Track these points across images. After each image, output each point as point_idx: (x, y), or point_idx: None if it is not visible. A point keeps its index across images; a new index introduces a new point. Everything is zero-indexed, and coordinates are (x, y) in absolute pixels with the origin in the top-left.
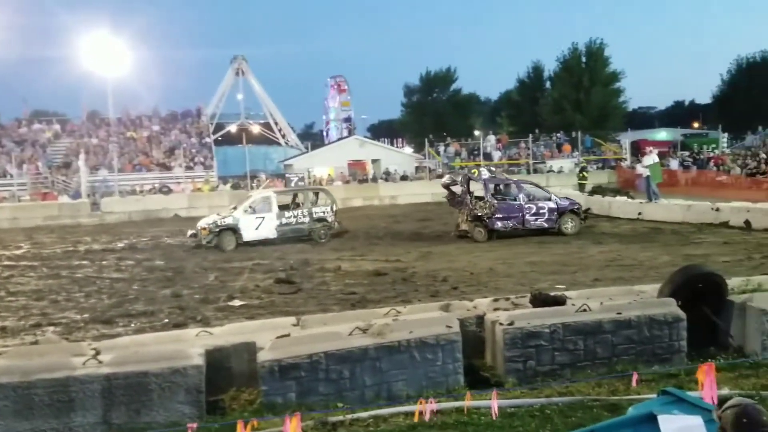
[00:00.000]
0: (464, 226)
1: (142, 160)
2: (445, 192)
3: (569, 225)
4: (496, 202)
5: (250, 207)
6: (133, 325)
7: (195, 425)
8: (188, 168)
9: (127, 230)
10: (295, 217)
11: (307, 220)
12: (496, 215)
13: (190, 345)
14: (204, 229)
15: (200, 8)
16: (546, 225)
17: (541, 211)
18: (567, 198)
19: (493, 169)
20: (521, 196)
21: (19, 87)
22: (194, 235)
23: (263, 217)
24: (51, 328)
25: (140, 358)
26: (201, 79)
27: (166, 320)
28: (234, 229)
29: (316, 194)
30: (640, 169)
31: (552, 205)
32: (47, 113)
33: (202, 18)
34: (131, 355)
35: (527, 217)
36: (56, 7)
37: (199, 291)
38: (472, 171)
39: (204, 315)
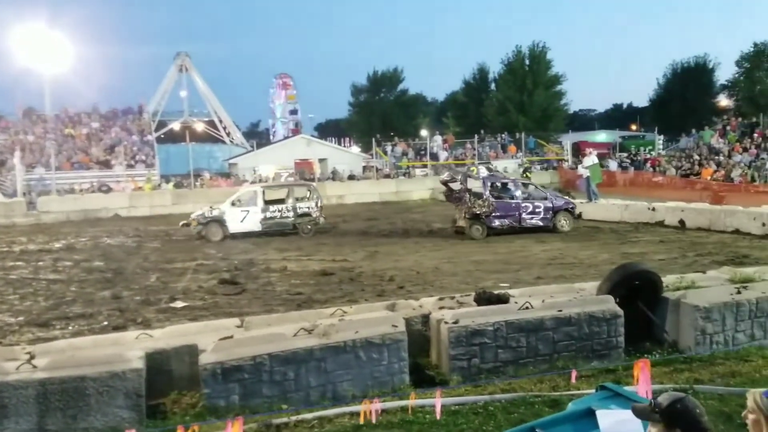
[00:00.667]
0: (461, 223)
1: (81, 158)
2: (443, 188)
3: (564, 223)
4: (494, 200)
5: (237, 200)
6: (70, 328)
7: (134, 430)
8: (129, 166)
9: (65, 230)
10: (279, 211)
11: (291, 214)
12: (494, 214)
13: (130, 348)
14: (193, 220)
15: (143, 3)
16: (541, 223)
17: (537, 209)
18: (561, 197)
19: (492, 167)
20: (518, 194)
21: None
22: (186, 225)
23: (248, 211)
24: None
25: (77, 362)
26: (143, 76)
27: (105, 323)
28: (220, 221)
29: (306, 190)
30: (581, 169)
31: (548, 204)
32: None
33: (145, 13)
34: (68, 359)
35: (524, 215)
36: None
37: (140, 292)
38: (471, 169)
39: (145, 317)
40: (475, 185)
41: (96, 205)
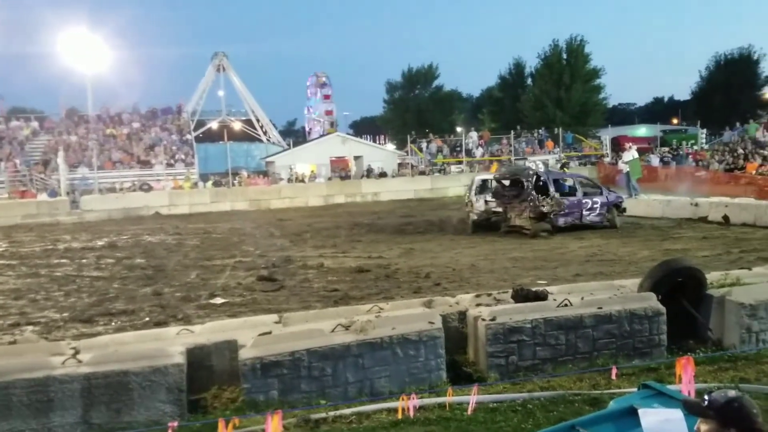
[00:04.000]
0: (519, 222)
1: (122, 157)
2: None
3: (616, 218)
4: (560, 198)
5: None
6: (113, 323)
7: (176, 424)
8: (169, 165)
9: (107, 228)
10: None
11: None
12: (561, 212)
13: (171, 343)
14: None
15: (181, 4)
16: (597, 219)
17: (595, 206)
18: (613, 191)
19: (548, 162)
20: (579, 190)
21: None
22: None
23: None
24: (30, 328)
25: (120, 357)
26: (182, 76)
27: (147, 319)
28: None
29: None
30: (621, 164)
31: (603, 199)
32: (25, 110)
33: (183, 14)
34: (111, 354)
35: (584, 212)
36: (34, 3)
37: (180, 289)
38: (529, 165)
39: (185, 313)
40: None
41: (137, 204)
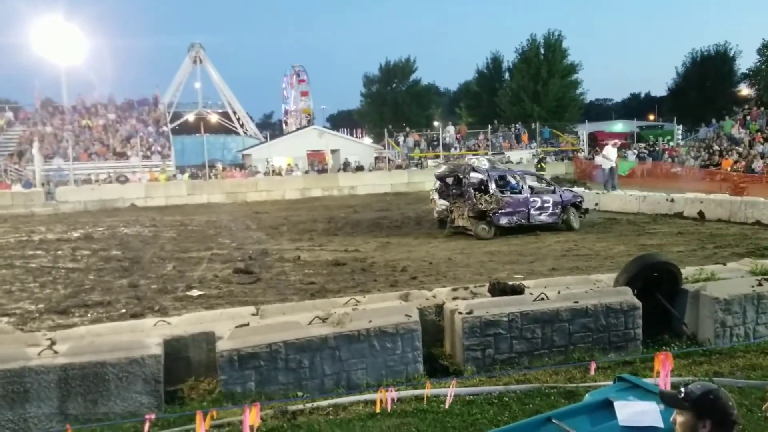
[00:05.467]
0: (461, 222)
1: (98, 148)
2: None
3: (573, 219)
4: (501, 195)
5: None
6: (89, 315)
7: (153, 416)
8: (145, 157)
9: (83, 220)
10: None
11: None
12: (502, 210)
13: (148, 335)
14: None
15: None
16: (549, 220)
17: (546, 204)
18: (570, 190)
19: (493, 158)
20: (525, 188)
21: None
22: None
23: None
24: (5, 319)
25: (97, 349)
26: (158, 67)
27: (123, 310)
28: None
29: None
30: (598, 160)
31: (556, 198)
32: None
33: (160, 5)
34: (88, 345)
35: (532, 211)
36: None
37: (157, 281)
38: (471, 161)
39: (162, 305)
40: (473, 179)
41: (113, 195)
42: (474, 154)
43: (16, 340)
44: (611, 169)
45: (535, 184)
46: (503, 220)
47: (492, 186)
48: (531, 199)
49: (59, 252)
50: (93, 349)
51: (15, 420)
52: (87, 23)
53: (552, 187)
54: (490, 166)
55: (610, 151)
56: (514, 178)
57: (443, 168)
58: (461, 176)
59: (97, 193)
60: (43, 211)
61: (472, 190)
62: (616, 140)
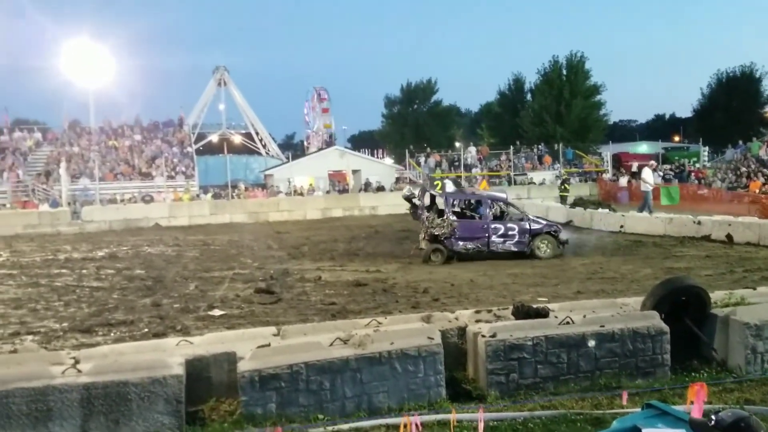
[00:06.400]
0: (423, 245)
1: (124, 169)
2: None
3: (543, 248)
4: (455, 220)
5: None
6: (112, 334)
7: None
8: (170, 177)
9: (108, 239)
10: None
11: None
12: (456, 235)
13: (170, 354)
14: None
15: (183, 19)
16: (515, 248)
17: (510, 232)
18: (544, 219)
19: (460, 181)
20: (488, 213)
21: (0, 96)
22: None
23: None
24: (30, 337)
25: (119, 368)
26: (183, 89)
27: (146, 329)
28: None
29: None
30: (644, 185)
31: (524, 225)
32: (28, 122)
33: (185, 28)
34: (110, 364)
35: (493, 238)
36: (38, 16)
37: (179, 300)
38: (435, 183)
39: (184, 324)
40: (440, 202)
41: (137, 215)
42: (496, 175)
43: (40, 359)
44: (648, 192)
45: (507, 210)
46: (459, 245)
47: (448, 210)
48: (492, 226)
49: (84, 271)
50: (116, 369)
51: None
52: (114, 45)
53: (522, 215)
54: (453, 190)
55: (648, 174)
56: (479, 203)
57: (405, 189)
58: (418, 197)
59: (122, 212)
60: (69, 230)
61: (427, 213)
62: (652, 161)
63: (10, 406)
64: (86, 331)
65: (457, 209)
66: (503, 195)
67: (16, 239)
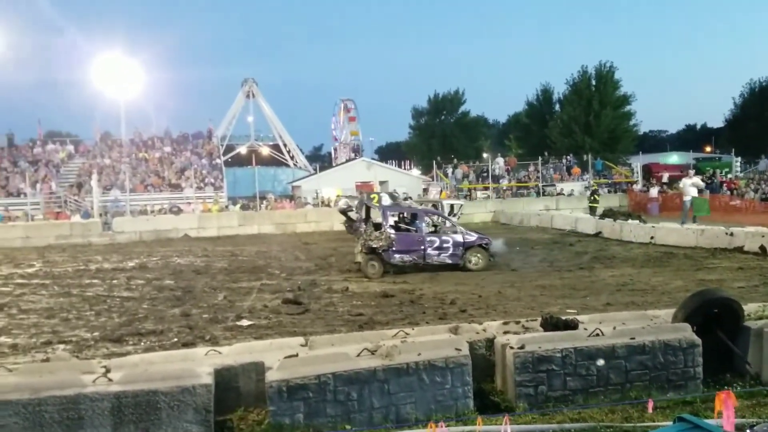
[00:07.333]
0: (359, 258)
1: (154, 180)
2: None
3: (475, 260)
4: (393, 233)
5: None
6: (142, 343)
7: None
8: (198, 189)
9: (138, 249)
10: None
11: None
12: (393, 248)
13: (199, 364)
14: None
15: (211, 31)
16: (450, 261)
17: (445, 245)
18: (476, 232)
19: (398, 194)
20: (423, 227)
21: (34, 109)
22: None
23: None
24: (61, 346)
25: (150, 377)
26: (212, 101)
27: (175, 339)
28: None
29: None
30: (685, 193)
31: (458, 238)
32: (61, 134)
33: (213, 41)
34: (141, 373)
35: (429, 251)
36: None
37: (208, 310)
38: (371, 196)
39: (212, 334)
40: (377, 215)
41: (167, 226)
42: (525, 186)
43: (72, 367)
44: (686, 202)
45: (441, 224)
46: (396, 258)
47: (385, 223)
48: (428, 239)
49: (115, 281)
50: (146, 378)
51: None
52: (144, 58)
53: (455, 228)
54: (390, 203)
55: (688, 185)
56: (415, 216)
57: (341, 202)
58: (356, 210)
59: (151, 223)
60: (101, 241)
61: (363, 226)
62: (690, 171)
63: (42, 414)
64: (117, 340)
65: (392, 222)
66: (460, 203)
67: (49, 249)
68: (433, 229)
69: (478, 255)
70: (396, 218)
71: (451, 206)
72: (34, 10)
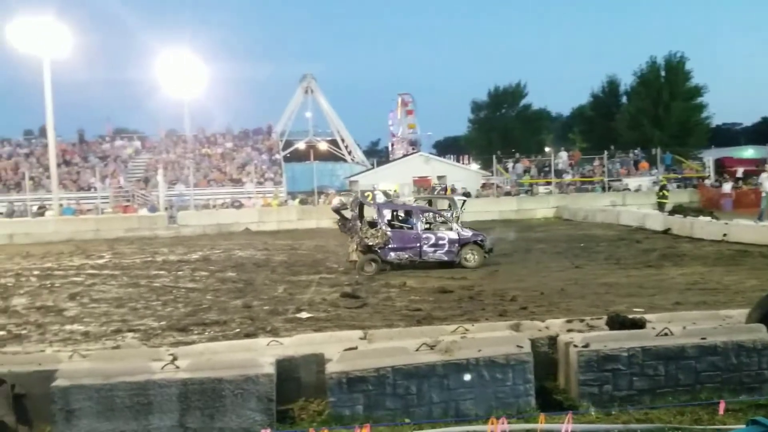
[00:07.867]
0: (354, 257)
1: (216, 175)
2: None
3: (470, 257)
4: (389, 230)
5: None
6: (206, 333)
7: (269, 430)
8: (259, 183)
9: (202, 242)
10: None
11: None
12: (390, 245)
13: (261, 354)
14: None
15: (270, 29)
16: (445, 258)
17: (441, 242)
18: (471, 229)
19: (391, 192)
20: (419, 224)
21: (103, 106)
22: None
23: None
24: (130, 334)
25: (215, 365)
26: (271, 97)
27: (238, 330)
28: None
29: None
30: (765, 185)
31: (453, 235)
32: (128, 131)
33: (272, 38)
34: (206, 361)
35: (425, 248)
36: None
37: (269, 302)
38: (366, 194)
39: (273, 326)
40: (371, 213)
41: (229, 220)
42: (589, 181)
43: (141, 355)
44: (764, 198)
45: (436, 220)
46: (392, 255)
47: (381, 220)
48: (424, 236)
49: (180, 273)
50: (211, 366)
51: (139, 431)
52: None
53: (450, 225)
54: (384, 201)
55: (766, 180)
56: (409, 213)
57: (335, 201)
58: (350, 209)
59: (214, 217)
60: (166, 234)
61: (359, 224)
62: None
63: (114, 399)
64: (182, 329)
65: (387, 219)
66: (461, 199)
67: (118, 242)
68: (427, 226)
69: (474, 252)
70: (390, 216)
71: (464, 201)
72: (104, 12)
